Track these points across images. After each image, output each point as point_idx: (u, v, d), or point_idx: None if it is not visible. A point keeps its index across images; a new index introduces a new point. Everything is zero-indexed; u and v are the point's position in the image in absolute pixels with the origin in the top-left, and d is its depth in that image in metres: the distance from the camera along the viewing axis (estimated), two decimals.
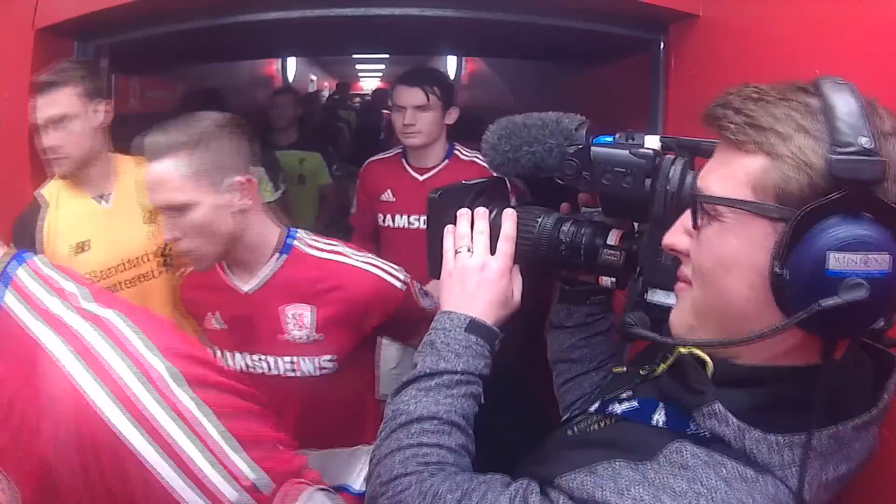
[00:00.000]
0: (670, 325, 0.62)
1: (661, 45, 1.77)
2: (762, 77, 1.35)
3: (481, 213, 0.79)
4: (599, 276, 0.80)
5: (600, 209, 0.82)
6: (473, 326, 0.73)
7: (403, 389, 0.71)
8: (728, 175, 0.55)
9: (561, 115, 0.79)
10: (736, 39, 1.43)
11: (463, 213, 0.80)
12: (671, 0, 1.58)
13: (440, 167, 2.09)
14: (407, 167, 2.13)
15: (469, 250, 0.77)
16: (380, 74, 12.85)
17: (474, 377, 0.71)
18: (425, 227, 1.86)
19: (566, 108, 0.81)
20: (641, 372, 0.69)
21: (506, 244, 0.77)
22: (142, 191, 1.15)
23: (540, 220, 0.81)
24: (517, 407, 2.33)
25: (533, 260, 0.81)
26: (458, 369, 0.70)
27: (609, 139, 0.76)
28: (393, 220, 2.13)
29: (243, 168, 1.13)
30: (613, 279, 0.79)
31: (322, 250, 1.23)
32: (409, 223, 2.11)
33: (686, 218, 0.60)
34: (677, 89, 1.71)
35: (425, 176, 2.10)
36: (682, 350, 0.60)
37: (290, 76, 6.54)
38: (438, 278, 0.80)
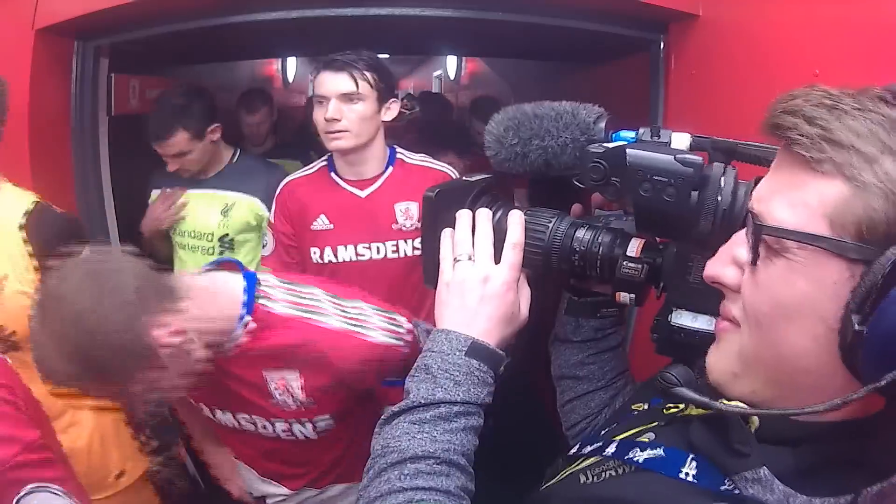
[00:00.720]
0: (707, 368, 0.54)
1: (661, 45, 1.77)
2: (762, 77, 1.36)
3: (484, 215, 0.69)
4: (616, 290, 0.70)
5: (620, 212, 0.73)
6: (475, 349, 0.64)
7: (394, 420, 0.62)
8: (798, 200, 0.45)
9: (577, 105, 0.69)
10: (736, 39, 1.43)
11: (463, 215, 0.70)
12: (671, 0, 1.58)
13: (385, 177, 1.65)
14: (340, 181, 1.65)
15: (470, 258, 0.68)
16: None
17: (475, 407, 0.63)
18: (381, 255, 1.64)
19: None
20: (666, 411, 0.60)
21: (512, 252, 0.67)
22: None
23: (551, 224, 0.70)
24: (520, 417, 2.30)
25: (541, 270, 0.71)
26: (458, 399, 0.61)
27: (631, 135, 0.66)
28: (335, 254, 1.64)
29: (161, 309, 0.87)
30: (633, 295, 0.69)
31: (295, 305, 0.99)
32: (357, 255, 1.65)
33: (736, 245, 0.51)
34: (677, 89, 1.71)
35: (368, 190, 1.64)
36: (727, 403, 0.51)
37: (290, 76, 6.53)
38: (433, 288, 0.70)
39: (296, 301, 1.00)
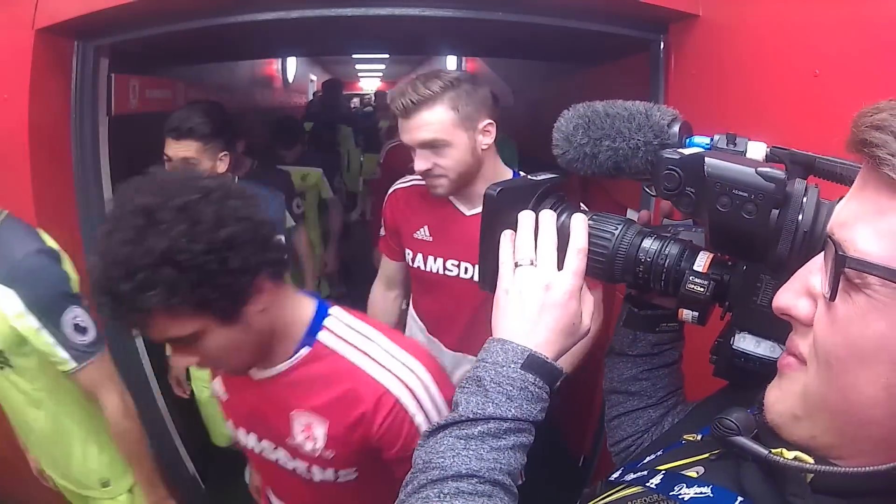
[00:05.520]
0: (766, 406, 0.51)
1: (661, 45, 1.77)
2: (762, 77, 1.36)
3: (548, 217, 0.65)
4: (680, 306, 0.65)
5: (689, 222, 0.69)
6: (532, 362, 0.60)
7: (438, 434, 0.59)
8: (885, 230, 0.40)
9: (651, 106, 0.66)
10: (736, 39, 1.43)
11: (525, 217, 0.65)
12: (671, 0, 1.58)
13: None
14: None
15: (532, 263, 0.63)
16: (380, 74, 12.88)
17: (527, 424, 0.59)
18: None
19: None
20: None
21: (577, 258, 0.63)
22: None
23: (617, 231, 0.65)
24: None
25: (602, 279, 0.67)
26: (509, 416, 0.58)
27: (705, 141, 0.62)
28: None
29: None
30: (696, 313, 0.64)
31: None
32: None
33: (811, 274, 0.46)
34: (677, 89, 1.71)
35: None
36: (788, 456, 0.47)
37: (290, 76, 6.54)
38: (491, 292, 0.67)
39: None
